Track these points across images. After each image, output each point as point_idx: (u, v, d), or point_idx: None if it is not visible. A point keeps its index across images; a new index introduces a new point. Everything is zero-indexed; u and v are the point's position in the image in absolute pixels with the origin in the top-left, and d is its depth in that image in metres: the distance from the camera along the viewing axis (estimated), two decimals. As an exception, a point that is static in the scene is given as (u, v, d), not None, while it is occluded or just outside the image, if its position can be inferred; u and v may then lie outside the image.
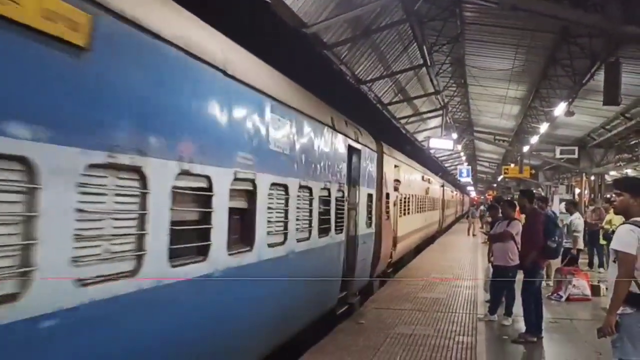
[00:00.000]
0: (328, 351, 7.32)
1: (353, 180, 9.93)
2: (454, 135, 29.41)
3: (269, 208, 5.85)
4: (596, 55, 14.48)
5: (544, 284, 9.64)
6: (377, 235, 11.89)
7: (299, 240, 6.88)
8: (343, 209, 9.02)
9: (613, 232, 4.80)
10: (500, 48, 17.38)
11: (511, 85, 21.20)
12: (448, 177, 51.02)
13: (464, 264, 17.31)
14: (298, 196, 6.80)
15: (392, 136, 21.84)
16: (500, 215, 10.08)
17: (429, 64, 19.43)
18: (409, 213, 17.19)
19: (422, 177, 21.70)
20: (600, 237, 15.23)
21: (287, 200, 6.41)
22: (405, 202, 16.41)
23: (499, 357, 7.44)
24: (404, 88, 24.08)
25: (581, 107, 19.77)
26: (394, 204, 13.99)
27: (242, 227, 5.35)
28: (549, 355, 7.72)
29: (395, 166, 14.52)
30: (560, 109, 18.56)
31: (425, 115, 29.76)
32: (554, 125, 23.08)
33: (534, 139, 26.97)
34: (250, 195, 5.41)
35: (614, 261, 4.55)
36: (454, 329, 8.65)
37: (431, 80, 22.80)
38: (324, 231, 7.91)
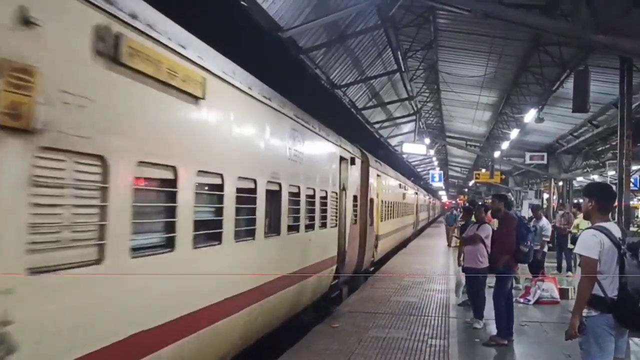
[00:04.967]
0: (302, 355, 7.31)
1: None
2: (427, 141, 29.68)
3: None
4: (566, 63, 14.81)
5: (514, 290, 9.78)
6: None
7: None
8: None
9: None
10: (473, 55, 17.62)
11: (483, 91, 21.51)
12: (405, 169, 38.88)
13: (436, 267, 17.47)
14: None
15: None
16: (473, 219, 10.22)
17: (402, 69, 19.59)
18: None
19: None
20: (569, 241, 15.54)
21: None
22: None
23: (471, 360, 7.53)
24: (378, 93, 24.24)
25: (550, 114, 20.18)
26: None
27: None
28: (520, 358, 7.84)
29: None
30: (530, 116, 18.93)
31: (398, 121, 29.99)
32: (524, 131, 23.51)
33: (505, 145, 27.41)
34: None
35: (580, 265, 4.68)
36: (426, 332, 8.73)
37: (405, 86, 22.98)
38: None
